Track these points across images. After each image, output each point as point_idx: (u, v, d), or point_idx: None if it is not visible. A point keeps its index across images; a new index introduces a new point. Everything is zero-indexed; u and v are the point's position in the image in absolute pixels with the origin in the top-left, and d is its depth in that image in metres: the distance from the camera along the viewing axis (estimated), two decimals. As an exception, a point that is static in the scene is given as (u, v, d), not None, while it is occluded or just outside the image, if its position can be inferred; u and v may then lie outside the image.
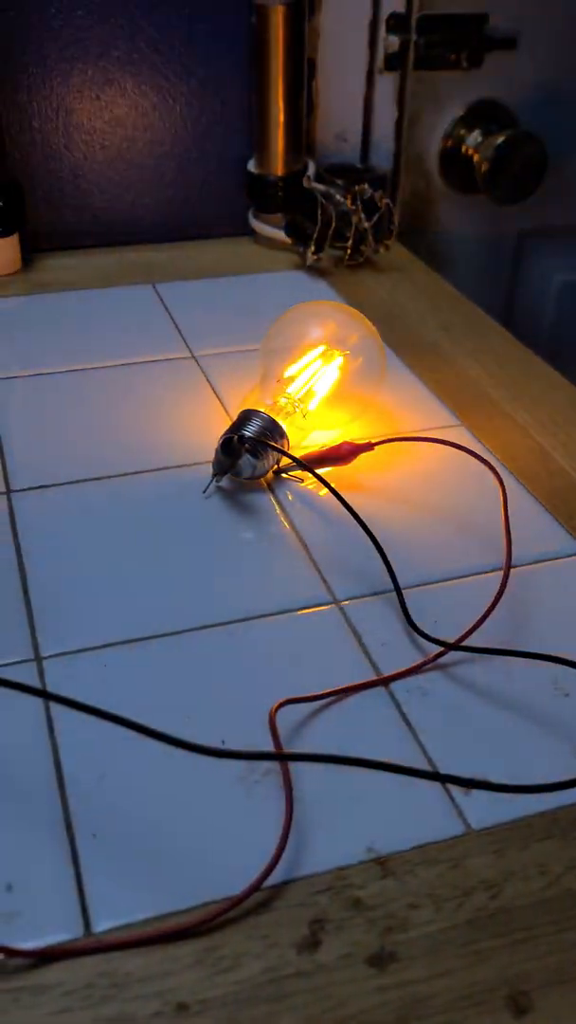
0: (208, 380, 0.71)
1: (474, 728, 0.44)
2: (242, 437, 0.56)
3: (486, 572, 0.53)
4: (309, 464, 0.57)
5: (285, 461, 0.59)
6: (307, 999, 0.33)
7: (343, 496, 0.54)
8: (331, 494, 0.54)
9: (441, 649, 0.46)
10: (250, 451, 0.56)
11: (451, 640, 0.47)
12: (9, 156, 0.86)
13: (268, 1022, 0.33)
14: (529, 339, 0.80)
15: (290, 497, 0.59)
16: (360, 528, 0.52)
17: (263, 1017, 0.33)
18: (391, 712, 0.44)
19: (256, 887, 0.36)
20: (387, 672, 0.47)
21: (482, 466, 0.60)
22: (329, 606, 0.51)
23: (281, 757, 0.40)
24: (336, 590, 0.52)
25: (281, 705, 0.43)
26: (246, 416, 0.58)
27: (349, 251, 0.89)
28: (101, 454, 0.62)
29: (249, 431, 0.56)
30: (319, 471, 0.58)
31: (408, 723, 0.44)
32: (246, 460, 0.57)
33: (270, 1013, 0.33)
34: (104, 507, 0.58)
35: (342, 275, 0.89)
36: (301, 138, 0.91)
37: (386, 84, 0.95)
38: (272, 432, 0.57)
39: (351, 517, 0.53)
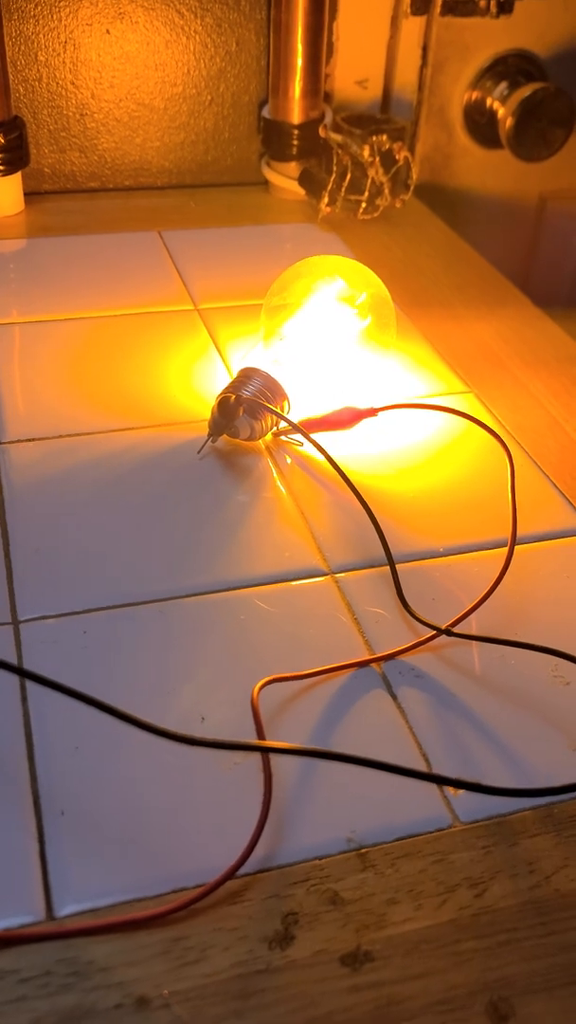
0: (210, 334, 0.69)
1: (468, 715, 0.42)
2: (239, 397, 0.53)
3: (489, 549, 0.51)
4: (307, 429, 0.54)
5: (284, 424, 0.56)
6: (275, 997, 0.32)
7: (341, 464, 0.51)
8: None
9: (432, 632, 0.44)
10: (247, 412, 0.54)
11: (446, 621, 0.45)
12: (13, 91, 0.83)
13: (233, 1019, 0.31)
14: (546, 303, 0.77)
15: (289, 461, 0.57)
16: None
17: (228, 1014, 0.31)
18: (382, 694, 0.42)
19: (229, 875, 0.34)
20: (380, 651, 0.44)
21: (490, 437, 0.57)
22: (323, 578, 0.49)
23: (256, 748, 0.38)
24: (331, 561, 0.49)
25: (265, 684, 0.40)
26: (246, 375, 0.56)
27: (364, 204, 0.85)
28: (95, 408, 0.60)
29: (247, 391, 0.54)
30: (321, 436, 0.56)
31: (399, 707, 0.42)
32: (244, 421, 0.55)
33: (235, 1011, 0.31)
34: (95, 463, 0.55)
35: (355, 229, 0.85)
36: (319, 84, 0.87)
37: (411, 29, 0.91)
38: (272, 393, 0.55)
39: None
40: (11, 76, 0.82)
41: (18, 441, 0.57)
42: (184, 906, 0.34)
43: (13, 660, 0.43)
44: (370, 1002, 0.32)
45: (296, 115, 0.87)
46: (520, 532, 0.51)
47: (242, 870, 0.35)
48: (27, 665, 0.42)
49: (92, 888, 0.34)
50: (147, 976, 0.32)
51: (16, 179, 0.84)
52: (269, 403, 0.54)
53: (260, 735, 0.38)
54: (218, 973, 0.32)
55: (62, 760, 0.38)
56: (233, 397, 0.53)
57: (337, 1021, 0.31)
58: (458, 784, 0.37)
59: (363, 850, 0.36)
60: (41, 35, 0.82)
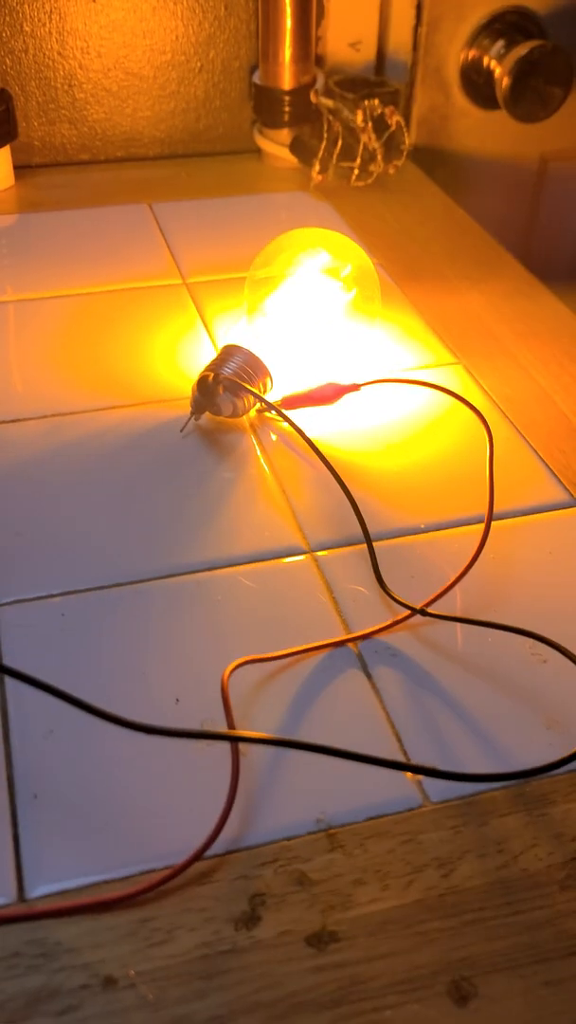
0: (197, 309, 0.68)
1: (443, 694, 0.42)
2: (217, 376, 0.53)
3: (471, 525, 0.50)
4: (290, 405, 0.54)
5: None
6: (240, 977, 0.32)
7: (325, 441, 0.51)
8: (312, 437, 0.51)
9: (407, 612, 0.44)
10: (227, 390, 0.53)
11: (423, 600, 0.45)
12: (-1, 63, 0.82)
13: (197, 999, 0.31)
14: (547, 270, 0.76)
15: (274, 438, 0.56)
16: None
17: (192, 994, 0.31)
18: (357, 674, 0.42)
19: (197, 856, 0.35)
20: (357, 630, 0.44)
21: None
22: (303, 556, 0.48)
23: (218, 737, 0.38)
24: (312, 539, 0.49)
25: (237, 666, 0.41)
26: (228, 352, 0.55)
27: (356, 171, 0.84)
28: (80, 387, 0.60)
29: (227, 370, 0.53)
30: (304, 412, 0.56)
31: (374, 687, 0.42)
32: (226, 398, 0.54)
33: (200, 991, 0.32)
34: (78, 443, 0.55)
35: (348, 196, 0.84)
36: (310, 48, 0.85)
37: (404, -12, 0.89)
38: (253, 370, 0.54)
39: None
40: (-3, 48, 0.81)
41: (3, 422, 0.57)
42: (152, 887, 0.34)
43: (-9, 644, 0.43)
44: (333, 982, 0.32)
45: (287, 81, 0.85)
46: (504, 507, 0.51)
47: (211, 851, 0.35)
48: (4, 649, 0.43)
49: (63, 870, 0.35)
50: (114, 957, 0.32)
51: (5, 153, 0.83)
52: (250, 381, 0.54)
53: (229, 719, 0.38)
54: (184, 954, 0.33)
55: (37, 743, 0.39)
56: (212, 376, 0.53)
57: (300, 1001, 0.31)
58: (416, 770, 0.37)
59: (332, 830, 0.36)
60: (26, 5, 0.80)
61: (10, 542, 0.48)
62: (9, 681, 0.41)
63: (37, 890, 0.34)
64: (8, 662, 0.42)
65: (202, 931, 0.33)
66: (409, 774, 0.38)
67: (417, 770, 0.37)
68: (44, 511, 0.50)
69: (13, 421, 0.57)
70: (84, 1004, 0.31)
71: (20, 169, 0.86)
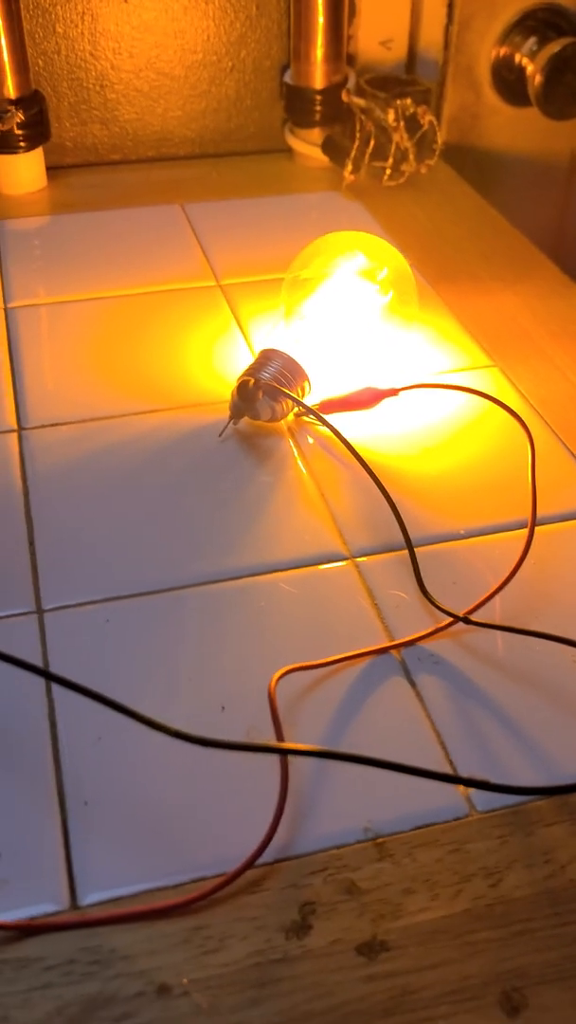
0: (232, 311, 0.68)
1: (487, 702, 0.42)
2: (258, 381, 0.53)
3: (511, 530, 0.50)
4: (328, 409, 0.54)
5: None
6: (292, 986, 0.32)
7: (363, 445, 0.51)
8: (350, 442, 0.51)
9: (450, 620, 0.44)
10: (266, 394, 0.53)
11: (464, 606, 0.45)
12: (32, 65, 0.82)
13: (250, 1007, 0.32)
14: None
15: (311, 441, 0.56)
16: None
17: (245, 1003, 0.32)
18: (401, 681, 0.43)
19: (248, 865, 0.35)
20: (400, 636, 0.45)
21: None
22: (343, 562, 0.49)
23: (267, 750, 0.38)
24: (352, 545, 0.49)
25: (284, 674, 0.41)
26: (266, 356, 0.56)
27: (389, 171, 0.84)
28: (116, 390, 0.60)
29: (266, 374, 0.54)
30: (342, 417, 0.56)
31: (418, 694, 0.42)
32: (264, 403, 0.55)
33: (253, 999, 0.32)
34: (117, 448, 0.56)
35: (381, 196, 0.84)
36: (342, 47, 0.85)
37: (436, -15, 0.88)
38: (292, 374, 0.54)
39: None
40: (29, 49, 0.81)
41: (41, 427, 0.57)
42: (204, 896, 0.34)
43: (37, 650, 0.43)
44: (385, 992, 0.32)
45: (319, 80, 0.85)
46: (542, 511, 0.51)
47: (260, 859, 0.35)
48: (51, 655, 0.43)
49: (115, 877, 0.35)
50: (168, 964, 0.33)
51: (38, 154, 0.83)
52: (288, 385, 0.54)
53: (277, 729, 0.39)
54: (236, 962, 0.33)
55: (85, 750, 0.39)
56: (252, 381, 0.53)
57: (352, 1011, 0.32)
58: (468, 783, 0.37)
59: (380, 840, 0.37)
60: (58, 7, 0.81)
61: (53, 547, 0.49)
62: (57, 690, 0.42)
63: (89, 897, 0.35)
64: (54, 669, 0.42)
65: (254, 939, 0.33)
66: (456, 783, 0.38)
67: (469, 783, 0.37)
68: (85, 516, 0.51)
69: (53, 425, 0.57)
70: (140, 1011, 0.31)
71: (52, 170, 0.86)
